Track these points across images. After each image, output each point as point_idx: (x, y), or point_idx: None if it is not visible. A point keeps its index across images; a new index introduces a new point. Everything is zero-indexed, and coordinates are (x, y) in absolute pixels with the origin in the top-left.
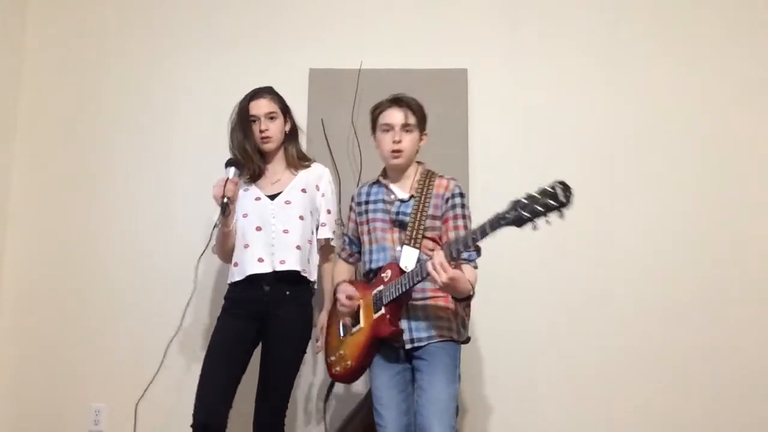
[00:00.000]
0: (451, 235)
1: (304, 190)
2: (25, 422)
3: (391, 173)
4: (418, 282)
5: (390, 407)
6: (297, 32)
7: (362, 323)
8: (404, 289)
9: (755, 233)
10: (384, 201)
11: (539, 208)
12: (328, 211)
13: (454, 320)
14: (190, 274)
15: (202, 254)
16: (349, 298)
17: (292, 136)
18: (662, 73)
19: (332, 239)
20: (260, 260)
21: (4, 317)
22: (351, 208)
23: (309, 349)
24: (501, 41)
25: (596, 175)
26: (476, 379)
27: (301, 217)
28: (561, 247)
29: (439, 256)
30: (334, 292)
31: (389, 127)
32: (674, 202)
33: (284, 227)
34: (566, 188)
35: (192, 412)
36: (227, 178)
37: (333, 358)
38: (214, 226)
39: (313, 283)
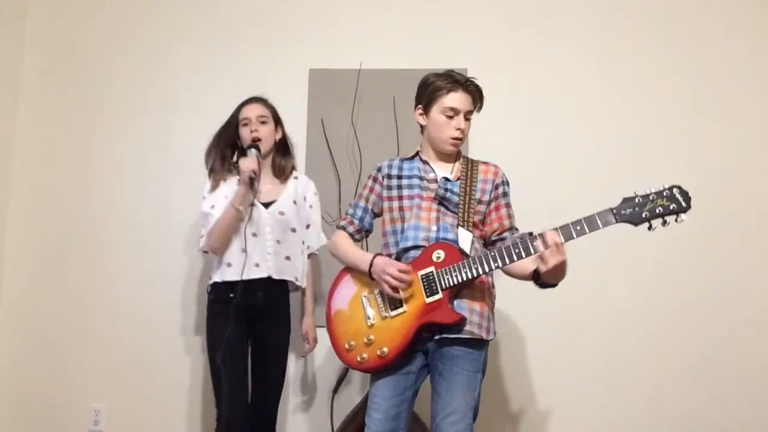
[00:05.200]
0: (506, 222)
1: (295, 202)
2: (25, 422)
3: (434, 154)
4: (497, 267)
5: (380, 410)
6: (297, 32)
7: (406, 307)
8: (477, 273)
9: (759, 232)
10: (421, 177)
11: (659, 209)
12: (312, 224)
13: (488, 312)
14: (190, 273)
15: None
16: (402, 272)
17: (282, 147)
18: (663, 73)
19: (317, 252)
20: (257, 265)
21: (4, 317)
22: (375, 180)
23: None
24: (501, 41)
25: (597, 176)
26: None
27: (293, 230)
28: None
29: (553, 234)
30: (369, 270)
31: (455, 113)
32: None
33: (277, 237)
34: (684, 192)
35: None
36: (256, 156)
37: (353, 343)
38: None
39: (302, 289)
